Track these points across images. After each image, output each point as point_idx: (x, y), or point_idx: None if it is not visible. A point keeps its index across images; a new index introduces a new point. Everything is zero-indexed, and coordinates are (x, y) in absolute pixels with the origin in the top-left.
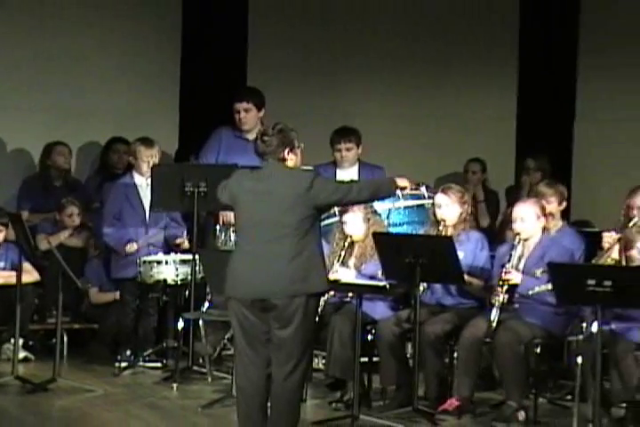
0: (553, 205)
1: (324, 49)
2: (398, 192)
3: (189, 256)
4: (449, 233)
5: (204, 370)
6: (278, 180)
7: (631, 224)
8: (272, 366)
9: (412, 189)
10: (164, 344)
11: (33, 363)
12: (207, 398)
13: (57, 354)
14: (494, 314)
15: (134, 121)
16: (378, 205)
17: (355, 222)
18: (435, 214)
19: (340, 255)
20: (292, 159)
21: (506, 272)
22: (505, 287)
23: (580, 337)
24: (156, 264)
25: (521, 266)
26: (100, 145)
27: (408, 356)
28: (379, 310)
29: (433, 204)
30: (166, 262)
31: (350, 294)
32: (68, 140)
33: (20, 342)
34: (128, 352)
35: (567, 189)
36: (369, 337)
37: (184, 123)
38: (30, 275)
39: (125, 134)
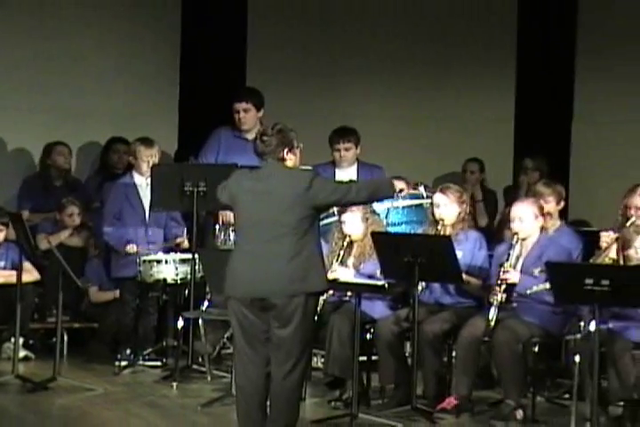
0: (551, 205)
1: (323, 50)
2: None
3: (189, 255)
4: (447, 233)
5: (203, 369)
6: (277, 179)
7: (628, 224)
8: (271, 364)
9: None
10: (164, 343)
11: (33, 362)
12: (207, 397)
13: (57, 353)
14: (492, 313)
15: (134, 121)
16: (376, 205)
17: (353, 222)
18: (433, 214)
19: (339, 255)
20: (291, 159)
21: (504, 271)
22: (503, 287)
23: (578, 336)
24: (155, 263)
25: (519, 265)
26: (100, 145)
27: (407, 355)
28: (377, 309)
29: (431, 203)
30: (166, 262)
31: (349, 294)
32: (69, 141)
33: (21, 341)
34: (128, 351)
35: (565, 190)
36: (368, 336)
37: (183, 123)
38: (30, 274)
39: (125, 134)
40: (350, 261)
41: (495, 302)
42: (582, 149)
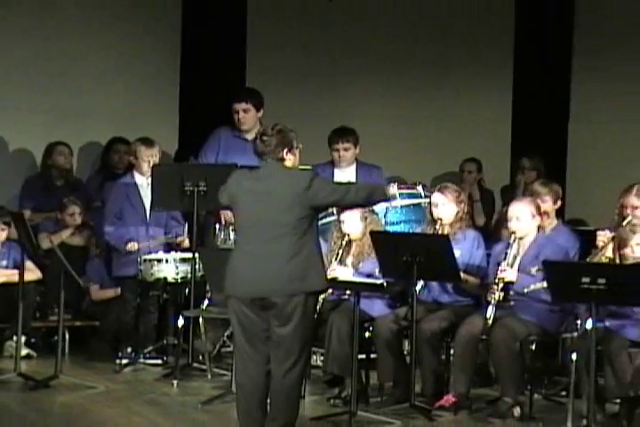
0: (548, 204)
1: (323, 50)
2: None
3: (189, 255)
4: (445, 232)
5: (203, 367)
6: (277, 179)
7: (625, 223)
8: (271, 363)
9: (409, 189)
10: (165, 341)
11: (35, 360)
12: (207, 395)
13: (59, 351)
14: (490, 311)
15: (134, 121)
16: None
17: (352, 221)
18: (431, 213)
19: (338, 254)
20: (290, 159)
21: (501, 270)
22: (500, 285)
23: (575, 334)
24: (156, 262)
25: (516, 264)
26: (100, 145)
27: (405, 353)
28: (376, 307)
29: (430, 203)
30: (166, 261)
31: (348, 292)
32: (70, 141)
33: (23, 339)
34: (129, 349)
35: (562, 189)
36: (366, 334)
37: (184, 123)
38: (32, 273)
39: (126, 135)
40: (349, 260)
41: (493, 301)
42: (579, 148)
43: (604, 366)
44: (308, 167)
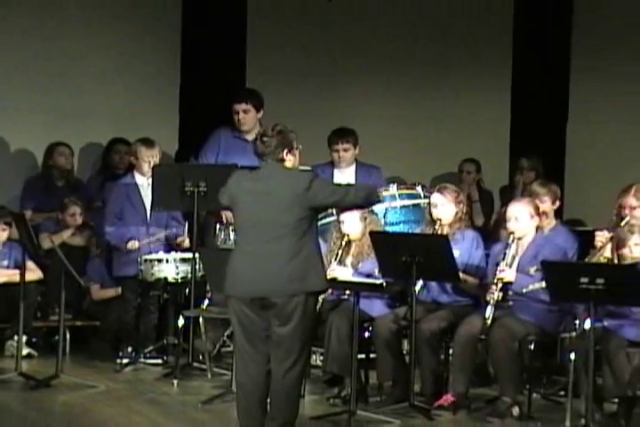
0: (546, 205)
1: (322, 51)
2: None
3: (189, 255)
4: (444, 232)
5: (203, 366)
6: (277, 180)
7: (623, 223)
8: (271, 362)
9: (408, 189)
10: (165, 341)
11: (36, 359)
12: (207, 394)
13: (59, 351)
14: (489, 311)
15: (135, 122)
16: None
17: (352, 221)
18: (430, 214)
19: (338, 254)
20: (290, 160)
21: (500, 270)
22: (499, 285)
23: (574, 334)
24: (156, 262)
25: (515, 264)
26: (101, 146)
27: (404, 352)
28: (376, 307)
29: (429, 203)
30: (167, 261)
31: (347, 292)
32: (70, 141)
33: (24, 338)
34: (129, 349)
35: (560, 189)
36: (366, 334)
37: (184, 124)
38: (33, 273)
39: (126, 135)
40: (349, 260)
41: (492, 301)
42: (577, 148)
43: (602, 365)
44: (308, 168)
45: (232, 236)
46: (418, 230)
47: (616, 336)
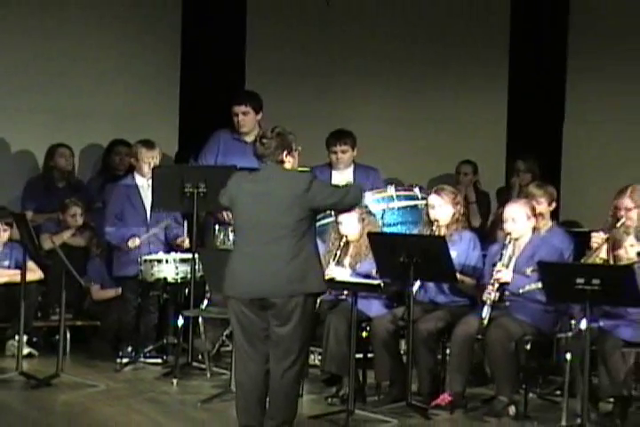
0: (543, 206)
1: (322, 51)
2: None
3: (189, 255)
4: (442, 233)
5: (203, 366)
6: (276, 181)
7: (619, 224)
8: (270, 361)
9: (406, 191)
10: (165, 341)
11: (37, 359)
12: (206, 394)
13: (60, 350)
14: (486, 312)
15: (134, 122)
16: (372, 206)
17: (350, 222)
18: (428, 215)
19: (336, 254)
20: (289, 162)
21: (497, 271)
22: (496, 286)
23: (570, 334)
24: (156, 263)
25: (512, 265)
26: (101, 147)
27: (402, 352)
28: (373, 307)
29: (426, 204)
30: (167, 261)
31: (345, 293)
32: (71, 142)
33: (24, 338)
34: (129, 348)
35: (556, 190)
36: (364, 334)
37: (184, 125)
38: (34, 273)
39: (126, 136)
40: (347, 260)
41: (488, 301)
42: (573, 148)
43: (597, 365)
44: (307, 169)
45: (231, 236)
46: (415, 231)
47: (612, 336)
